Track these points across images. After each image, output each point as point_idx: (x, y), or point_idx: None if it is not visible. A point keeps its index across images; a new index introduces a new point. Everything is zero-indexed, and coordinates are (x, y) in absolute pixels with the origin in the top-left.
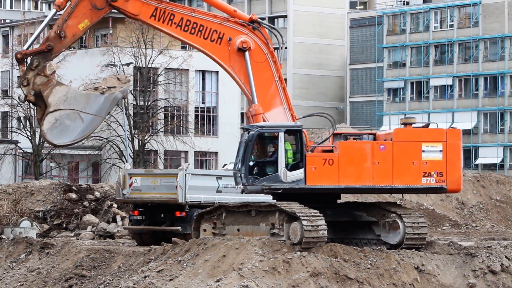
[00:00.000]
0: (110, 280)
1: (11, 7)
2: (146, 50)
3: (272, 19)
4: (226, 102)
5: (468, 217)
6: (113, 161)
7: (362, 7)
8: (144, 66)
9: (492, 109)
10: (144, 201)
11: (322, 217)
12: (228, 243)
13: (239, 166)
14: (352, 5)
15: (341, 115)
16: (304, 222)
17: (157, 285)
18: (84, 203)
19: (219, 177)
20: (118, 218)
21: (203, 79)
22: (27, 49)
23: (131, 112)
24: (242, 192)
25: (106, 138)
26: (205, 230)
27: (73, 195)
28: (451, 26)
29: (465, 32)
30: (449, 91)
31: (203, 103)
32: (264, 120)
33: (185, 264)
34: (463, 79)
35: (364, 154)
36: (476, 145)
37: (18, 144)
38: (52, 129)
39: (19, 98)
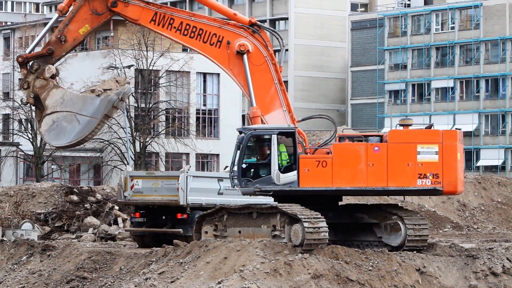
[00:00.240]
0: (112, 282)
1: (12, 10)
2: (147, 52)
3: (273, 21)
4: (227, 104)
5: (469, 219)
6: (115, 163)
7: (363, 9)
8: (145, 68)
9: (493, 111)
10: (146, 203)
11: (324, 219)
12: (229, 245)
13: (233, 168)
14: (353, 7)
15: (342, 117)
16: (306, 224)
17: (158, 287)
18: (85, 205)
19: (220, 179)
20: (119, 220)
21: (204, 81)
22: (29, 52)
23: (132, 115)
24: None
25: (108, 140)
26: (206, 232)
27: (75, 197)
28: (452, 28)
29: (466, 34)
30: (450, 93)
31: (205, 105)
32: (263, 122)
33: (186, 266)
34: (464, 81)
35: (358, 156)
36: (477, 147)
37: (20, 147)
38: (49, 130)
39: (21, 100)
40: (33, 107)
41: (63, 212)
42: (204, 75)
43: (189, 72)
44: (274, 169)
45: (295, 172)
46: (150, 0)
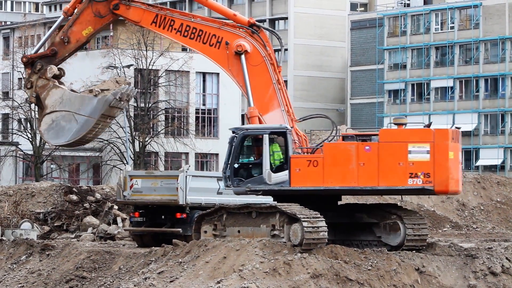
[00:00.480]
0: (111, 282)
1: (12, 9)
2: (146, 52)
3: (272, 21)
4: (226, 104)
5: (468, 219)
6: (114, 163)
7: (362, 9)
8: (144, 68)
9: (492, 110)
10: (145, 202)
11: (323, 219)
12: (228, 245)
13: (225, 168)
14: (353, 7)
15: (342, 117)
16: (305, 224)
17: (157, 286)
18: (84, 205)
19: (219, 178)
20: (118, 219)
21: (204, 81)
22: (35, 53)
23: (131, 114)
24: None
25: (107, 140)
26: (205, 232)
27: (74, 197)
28: (452, 28)
29: (466, 34)
30: (449, 93)
31: (204, 105)
32: (261, 122)
33: (185, 266)
34: (463, 81)
35: (349, 155)
36: (476, 147)
37: (19, 146)
38: (49, 129)
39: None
40: (36, 107)
41: (62, 211)
42: (204, 74)
43: (189, 71)
44: (265, 169)
45: (286, 172)
46: (150, 2)
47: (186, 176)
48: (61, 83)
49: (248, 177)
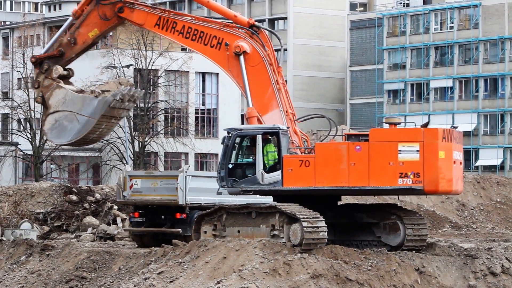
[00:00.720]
0: (111, 282)
1: (11, 9)
2: (146, 52)
3: (272, 21)
4: (226, 104)
5: (468, 219)
6: (114, 163)
7: (362, 9)
8: (144, 68)
9: (492, 110)
10: (145, 203)
11: (322, 219)
12: (228, 245)
13: (220, 168)
14: (352, 7)
15: (341, 117)
16: (305, 224)
17: (157, 286)
18: (84, 205)
19: None
20: (118, 220)
21: (203, 81)
22: (44, 53)
23: (131, 114)
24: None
25: (107, 140)
26: (205, 232)
27: (74, 197)
28: (451, 27)
29: (465, 34)
30: (449, 93)
31: (203, 105)
32: (260, 123)
33: (185, 266)
34: (463, 81)
35: (340, 155)
36: (476, 147)
37: (19, 146)
38: (52, 129)
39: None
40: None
41: (62, 211)
42: (203, 74)
43: (188, 71)
44: (259, 169)
45: (279, 172)
46: (150, 1)
47: (185, 176)
48: (69, 83)
49: (242, 177)
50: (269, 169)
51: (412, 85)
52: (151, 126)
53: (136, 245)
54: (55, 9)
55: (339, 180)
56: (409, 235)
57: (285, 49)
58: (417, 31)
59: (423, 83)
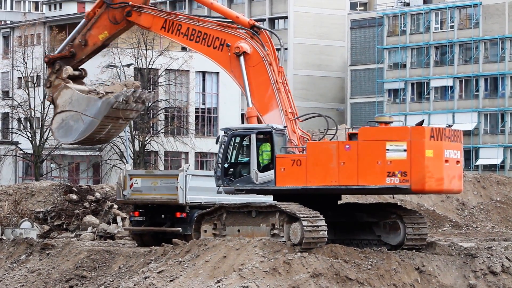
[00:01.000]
0: (111, 281)
1: (11, 9)
2: (146, 51)
3: (272, 20)
4: (226, 103)
5: (468, 218)
6: (114, 162)
7: (362, 8)
8: (144, 67)
9: (492, 110)
10: (145, 202)
11: (323, 218)
12: (228, 244)
13: (216, 168)
14: (353, 6)
15: (342, 116)
16: (305, 223)
17: (157, 285)
18: (84, 204)
19: None
20: (118, 219)
21: (204, 80)
22: (57, 54)
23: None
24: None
25: None
26: (205, 231)
27: (74, 196)
28: (452, 27)
29: (466, 33)
30: (449, 92)
31: (204, 104)
32: (259, 122)
33: (185, 265)
34: (463, 80)
35: (330, 154)
36: (476, 146)
37: (19, 145)
38: (59, 128)
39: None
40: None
41: (62, 211)
42: (203, 74)
43: (188, 71)
44: (253, 168)
45: (272, 171)
46: (149, 3)
47: (186, 175)
48: (82, 83)
49: (238, 177)
50: (263, 169)
51: (412, 84)
52: (151, 125)
53: (136, 244)
54: (55, 8)
55: (329, 179)
56: (409, 234)
57: (286, 49)
58: (417, 30)
59: (424, 82)
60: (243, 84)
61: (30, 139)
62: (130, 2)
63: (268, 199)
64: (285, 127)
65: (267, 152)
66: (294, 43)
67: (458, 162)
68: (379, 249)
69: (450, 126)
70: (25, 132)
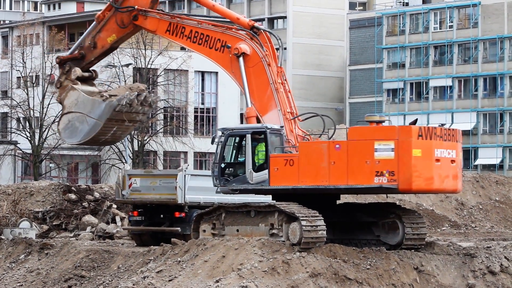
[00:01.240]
0: (110, 281)
1: (10, 8)
2: (145, 51)
3: (271, 20)
4: (225, 103)
5: (467, 218)
6: (113, 162)
7: (361, 8)
8: (143, 67)
9: (491, 109)
10: (144, 201)
11: (321, 218)
12: (227, 244)
13: (213, 168)
14: (352, 6)
15: (341, 116)
16: (303, 223)
17: (156, 285)
18: (83, 204)
19: None
20: (117, 218)
21: (203, 80)
22: (68, 55)
23: None
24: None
25: None
26: (204, 231)
27: (73, 196)
28: (451, 27)
29: (465, 33)
30: (448, 92)
31: (203, 104)
32: (259, 122)
33: (184, 265)
34: (462, 80)
35: (321, 154)
36: (475, 146)
37: (18, 145)
38: (65, 129)
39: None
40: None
41: (61, 210)
42: (202, 73)
43: (187, 70)
44: (248, 168)
45: (266, 171)
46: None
47: (184, 175)
48: (92, 84)
49: (234, 177)
50: (258, 168)
51: (411, 84)
52: (150, 125)
53: (135, 244)
54: (54, 8)
55: (320, 179)
56: (408, 234)
57: (285, 48)
58: (416, 30)
59: (423, 82)
60: (243, 85)
61: (29, 138)
62: (136, 6)
63: (267, 199)
64: (281, 127)
65: (262, 152)
66: (293, 43)
67: (453, 161)
68: (378, 248)
69: (443, 125)
70: (24, 132)
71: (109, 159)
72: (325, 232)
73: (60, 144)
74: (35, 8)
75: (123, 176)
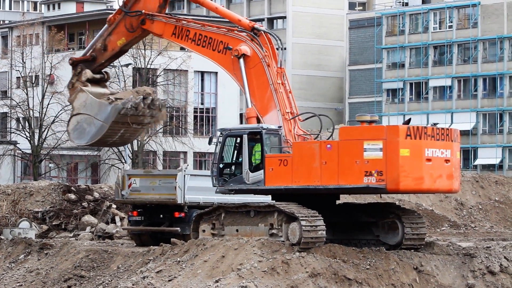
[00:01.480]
0: (109, 281)
1: (10, 8)
2: (145, 51)
3: (271, 20)
4: (225, 103)
5: (467, 218)
6: (112, 162)
7: (361, 8)
8: (143, 67)
9: (491, 109)
10: (143, 201)
11: (321, 218)
12: (227, 244)
13: (212, 168)
14: (351, 6)
15: (340, 116)
16: (303, 223)
17: (156, 285)
18: (83, 204)
19: None
20: (117, 218)
21: (202, 80)
22: (80, 56)
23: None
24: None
25: None
26: (204, 231)
27: (72, 196)
28: (450, 27)
29: (464, 33)
30: (448, 92)
31: (202, 104)
32: (259, 123)
33: (184, 265)
34: (462, 80)
35: (313, 154)
36: (475, 146)
37: (17, 145)
38: (74, 130)
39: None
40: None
41: (60, 210)
42: (202, 73)
43: (187, 70)
44: (245, 169)
45: (262, 171)
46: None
47: (184, 175)
48: (105, 86)
49: (232, 177)
50: (254, 169)
51: (411, 84)
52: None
53: (135, 244)
54: (54, 8)
55: (312, 179)
56: (407, 234)
57: (284, 48)
58: (416, 30)
59: (422, 82)
60: (244, 86)
61: (29, 138)
62: (144, 11)
63: (267, 199)
64: (279, 127)
65: (259, 152)
66: (293, 43)
67: (447, 161)
68: (378, 249)
69: (435, 124)
70: (23, 132)
71: (108, 159)
72: (324, 232)
73: (59, 144)
74: (35, 8)
75: (123, 176)
